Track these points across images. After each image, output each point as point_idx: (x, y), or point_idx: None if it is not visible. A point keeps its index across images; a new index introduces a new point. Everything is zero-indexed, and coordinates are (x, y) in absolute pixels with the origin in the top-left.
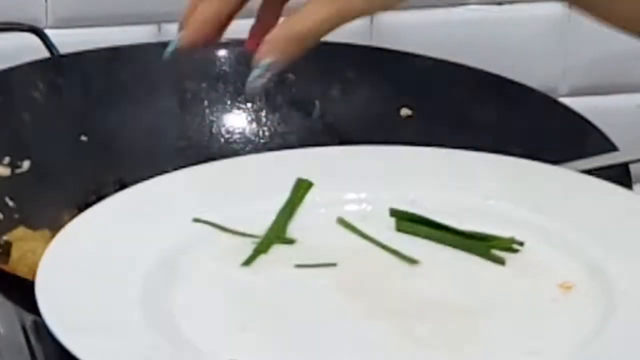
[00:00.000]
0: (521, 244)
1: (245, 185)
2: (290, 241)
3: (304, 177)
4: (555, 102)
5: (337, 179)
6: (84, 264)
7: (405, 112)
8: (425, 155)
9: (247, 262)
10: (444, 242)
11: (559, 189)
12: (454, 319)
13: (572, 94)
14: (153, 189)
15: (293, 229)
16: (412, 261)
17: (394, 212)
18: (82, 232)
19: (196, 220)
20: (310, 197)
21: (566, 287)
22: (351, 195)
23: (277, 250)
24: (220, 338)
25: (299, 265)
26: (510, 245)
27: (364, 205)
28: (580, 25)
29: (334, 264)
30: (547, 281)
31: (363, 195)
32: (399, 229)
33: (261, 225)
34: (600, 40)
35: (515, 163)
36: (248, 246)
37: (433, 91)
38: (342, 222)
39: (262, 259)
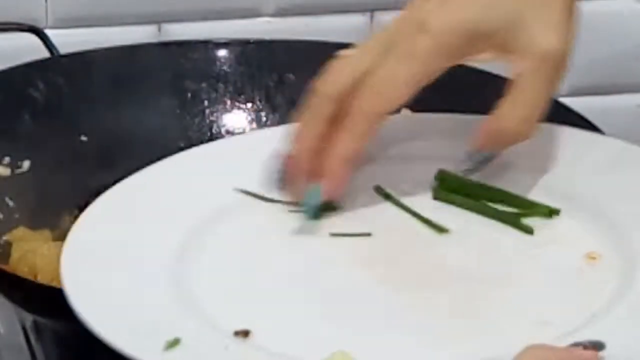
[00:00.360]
0: (557, 212)
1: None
2: (333, 208)
3: None
4: (556, 102)
5: (379, 144)
6: (109, 241)
7: (405, 112)
8: (465, 121)
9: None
10: (476, 211)
11: (596, 158)
12: (474, 288)
13: (572, 94)
14: (186, 161)
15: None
16: (442, 230)
17: (440, 175)
18: (110, 207)
19: (238, 190)
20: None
21: (592, 258)
22: (395, 160)
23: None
24: (238, 307)
25: (334, 234)
26: (546, 213)
27: (406, 171)
28: (580, 25)
29: (368, 234)
30: (575, 251)
31: (406, 160)
32: (436, 197)
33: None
34: (600, 40)
35: (553, 129)
36: (284, 214)
37: (433, 91)
38: (379, 190)
39: (300, 224)
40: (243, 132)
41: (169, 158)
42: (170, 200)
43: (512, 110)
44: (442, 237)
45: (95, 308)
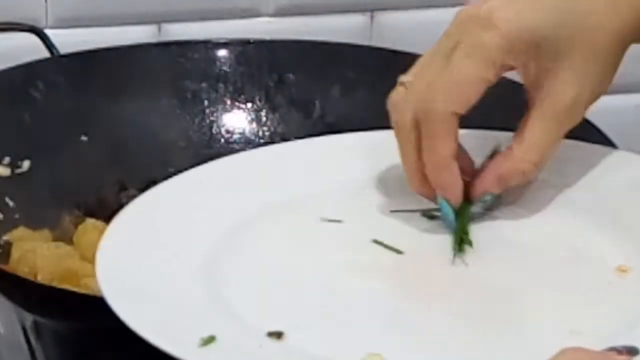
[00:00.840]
0: None
1: (310, 167)
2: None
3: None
4: None
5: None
6: (145, 240)
7: None
8: (477, 136)
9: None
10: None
11: (627, 174)
12: (504, 297)
13: None
14: (224, 167)
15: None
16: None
17: None
18: (146, 208)
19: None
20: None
21: (622, 271)
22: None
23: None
24: (271, 309)
25: (375, 241)
26: None
27: None
28: None
29: (401, 252)
30: (606, 264)
31: None
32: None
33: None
34: None
35: (579, 146)
36: (319, 222)
37: None
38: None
39: (333, 232)
40: (242, 132)
41: (209, 163)
42: (206, 205)
43: (522, 154)
44: (474, 248)
45: (131, 306)
